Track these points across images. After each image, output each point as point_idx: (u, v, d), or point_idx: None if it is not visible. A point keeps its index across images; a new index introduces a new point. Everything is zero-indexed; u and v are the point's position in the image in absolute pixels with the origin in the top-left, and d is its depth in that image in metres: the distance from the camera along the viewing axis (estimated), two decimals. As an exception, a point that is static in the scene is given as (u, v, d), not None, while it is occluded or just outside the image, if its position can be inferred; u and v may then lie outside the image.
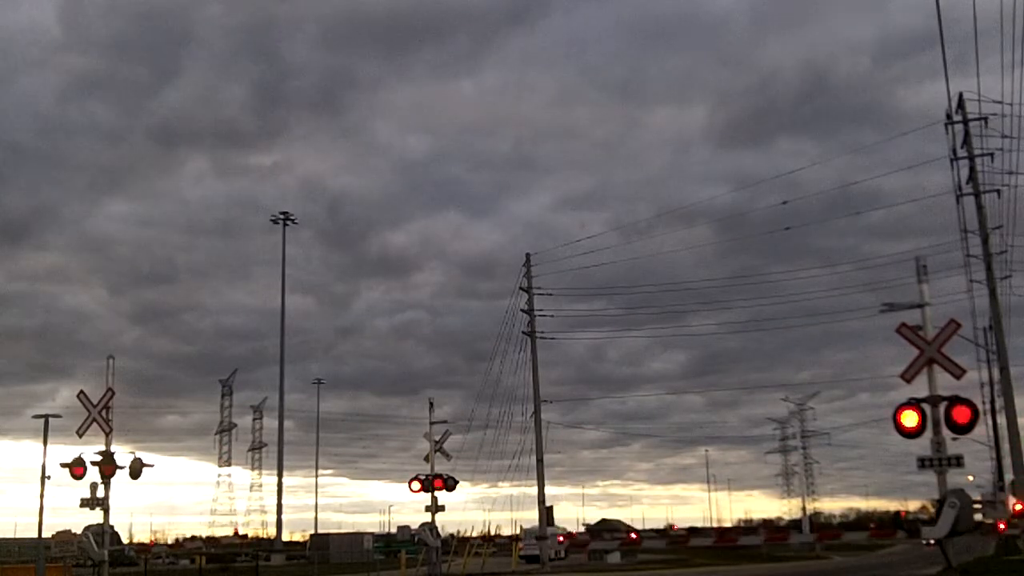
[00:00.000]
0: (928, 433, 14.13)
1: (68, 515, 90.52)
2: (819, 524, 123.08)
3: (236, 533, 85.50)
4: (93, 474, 22.30)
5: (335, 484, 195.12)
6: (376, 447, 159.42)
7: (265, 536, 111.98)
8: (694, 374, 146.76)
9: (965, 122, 32.37)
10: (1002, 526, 22.08)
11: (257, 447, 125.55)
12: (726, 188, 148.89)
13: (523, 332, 52.30)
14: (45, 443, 33.50)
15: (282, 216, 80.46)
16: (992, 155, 32.42)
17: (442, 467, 30.13)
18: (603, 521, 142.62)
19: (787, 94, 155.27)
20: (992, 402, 51.02)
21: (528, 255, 53.50)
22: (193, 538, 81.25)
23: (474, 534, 77.13)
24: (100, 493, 22.33)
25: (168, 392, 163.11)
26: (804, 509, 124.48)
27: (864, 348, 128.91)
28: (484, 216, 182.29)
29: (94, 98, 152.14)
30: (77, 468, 22.25)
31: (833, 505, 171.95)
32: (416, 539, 51.67)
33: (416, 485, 29.52)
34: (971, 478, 66.33)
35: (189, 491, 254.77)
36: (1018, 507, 18.28)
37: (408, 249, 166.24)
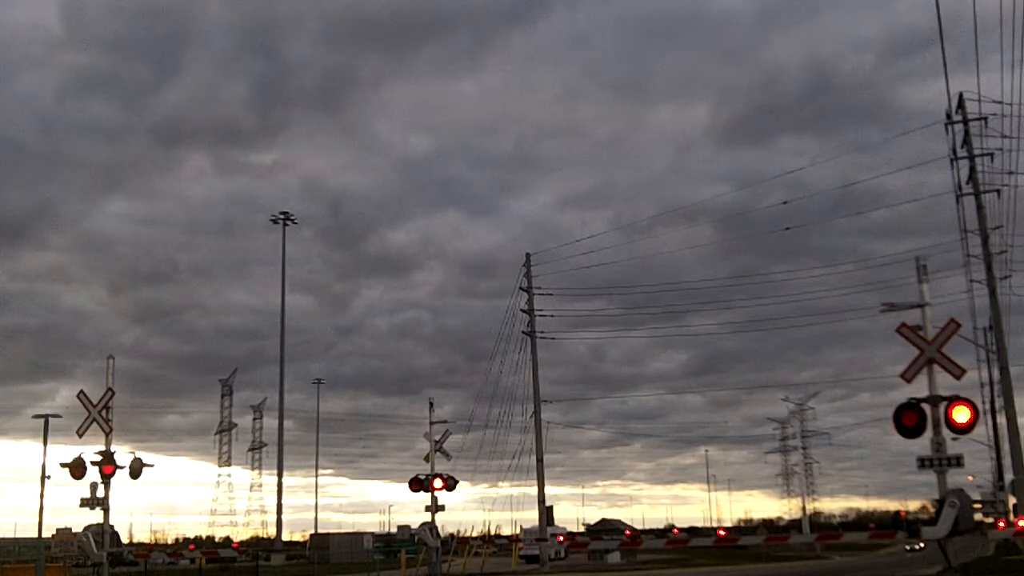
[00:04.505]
0: (928, 433, 14.12)
1: (68, 515, 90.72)
2: (819, 524, 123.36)
3: (234, 546, 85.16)
4: (93, 474, 22.22)
5: (335, 484, 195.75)
6: (376, 447, 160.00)
7: (265, 536, 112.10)
8: (694, 374, 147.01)
9: (965, 122, 32.39)
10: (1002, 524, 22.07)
11: (257, 447, 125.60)
12: (728, 187, 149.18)
13: (523, 332, 52.34)
14: (45, 443, 33.51)
15: (282, 216, 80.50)
16: (992, 155, 32.49)
17: (442, 467, 30.06)
18: (603, 521, 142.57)
19: (790, 92, 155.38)
20: (992, 402, 51.04)
21: (528, 255, 53.57)
22: (191, 547, 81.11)
23: (474, 534, 77.22)
24: (100, 493, 22.26)
25: (168, 392, 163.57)
26: (804, 509, 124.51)
27: (865, 348, 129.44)
28: (485, 215, 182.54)
29: (95, 96, 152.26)
30: (77, 468, 22.20)
31: (833, 505, 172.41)
32: (416, 539, 51.56)
33: (416, 485, 29.48)
34: (971, 478, 66.36)
35: (189, 491, 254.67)
36: (1022, 523, 18.25)
37: (408, 248, 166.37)
